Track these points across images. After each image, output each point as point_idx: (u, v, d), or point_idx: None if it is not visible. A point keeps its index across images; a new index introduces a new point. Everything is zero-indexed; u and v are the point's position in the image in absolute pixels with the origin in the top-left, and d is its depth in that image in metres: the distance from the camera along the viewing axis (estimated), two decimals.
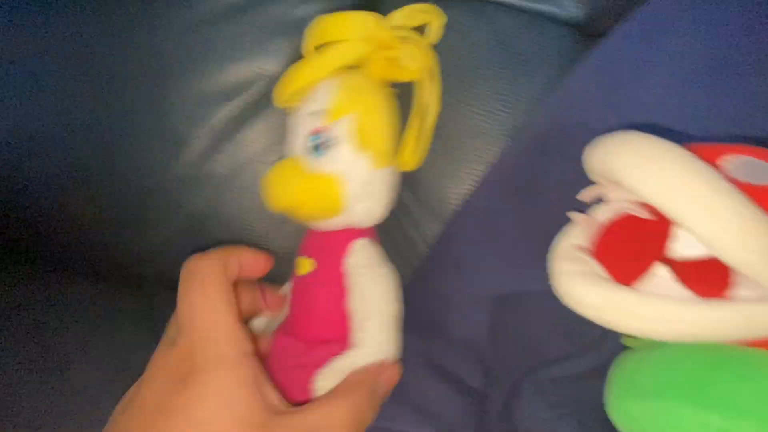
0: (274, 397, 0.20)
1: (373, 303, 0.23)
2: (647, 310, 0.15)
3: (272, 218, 0.32)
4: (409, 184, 0.29)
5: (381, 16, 0.25)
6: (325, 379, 0.22)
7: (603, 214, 0.21)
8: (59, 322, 0.30)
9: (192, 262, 0.22)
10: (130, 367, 0.27)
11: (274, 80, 0.30)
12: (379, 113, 0.24)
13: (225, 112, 0.30)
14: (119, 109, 0.30)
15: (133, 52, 0.30)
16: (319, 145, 0.23)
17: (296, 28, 0.29)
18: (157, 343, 0.22)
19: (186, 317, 0.21)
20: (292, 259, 0.34)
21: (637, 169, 0.15)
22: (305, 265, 0.26)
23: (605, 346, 0.23)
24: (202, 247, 0.33)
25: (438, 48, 0.28)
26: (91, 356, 0.27)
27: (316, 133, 0.24)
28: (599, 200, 0.21)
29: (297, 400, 0.22)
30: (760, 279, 0.14)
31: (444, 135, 0.27)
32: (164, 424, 0.18)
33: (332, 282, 0.24)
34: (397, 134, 0.25)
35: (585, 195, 0.20)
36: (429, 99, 0.25)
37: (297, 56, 0.28)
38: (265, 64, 0.30)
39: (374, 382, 0.21)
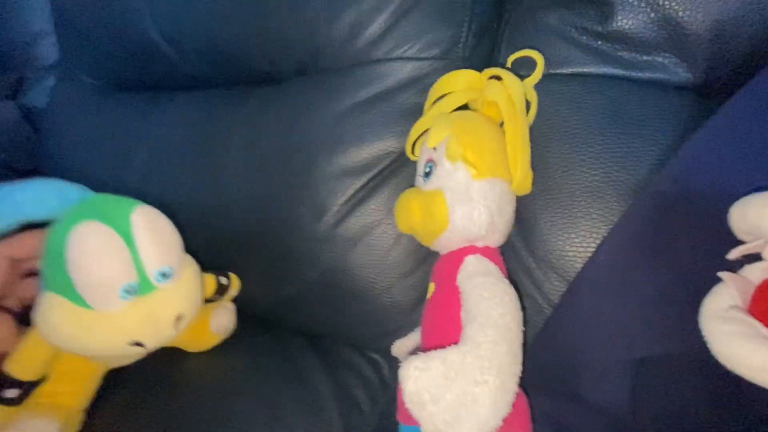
0: None
1: (476, 306, 0.22)
2: None
3: (395, 272, 0.35)
4: (525, 241, 0.30)
5: (477, 72, 0.31)
6: (411, 362, 0.20)
7: (755, 274, 0.20)
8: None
9: None
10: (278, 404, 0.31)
11: (398, 157, 0.36)
12: (469, 132, 0.27)
13: (359, 184, 0.36)
14: (279, 181, 0.38)
15: (293, 137, 0.38)
16: (429, 171, 0.29)
17: (417, 113, 0.35)
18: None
19: None
20: (415, 309, 0.36)
21: None
22: (430, 290, 0.28)
23: None
24: (333, 298, 0.37)
25: (551, 118, 0.30)
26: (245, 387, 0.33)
27: (429, 162, 0.29)
28: (745, 260, 0.21)
29: None
30: None
31: (558, 194, 0.29)
32: None
33: (449, 299, 0.25)
34: (496, 153, 0.27)
35: (734, 253, 0.20)
36: (506, 122, 0.28)
37: None
38: (391, 144, 0.35)
39: None
